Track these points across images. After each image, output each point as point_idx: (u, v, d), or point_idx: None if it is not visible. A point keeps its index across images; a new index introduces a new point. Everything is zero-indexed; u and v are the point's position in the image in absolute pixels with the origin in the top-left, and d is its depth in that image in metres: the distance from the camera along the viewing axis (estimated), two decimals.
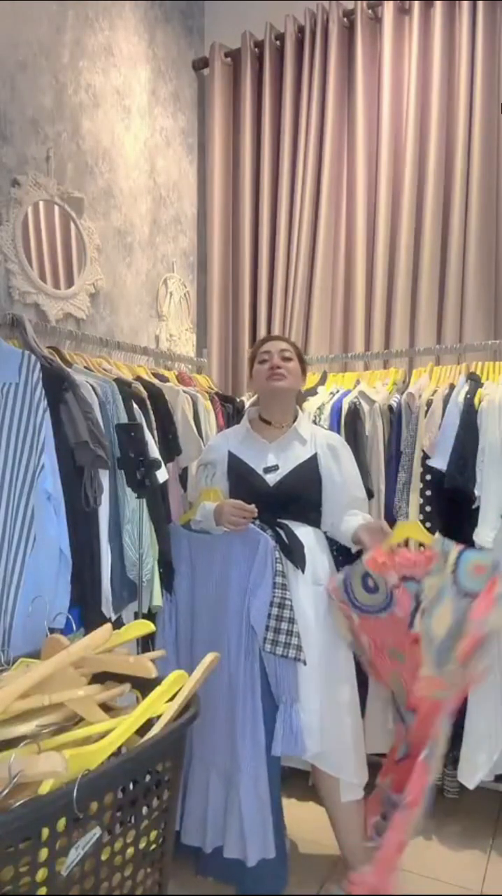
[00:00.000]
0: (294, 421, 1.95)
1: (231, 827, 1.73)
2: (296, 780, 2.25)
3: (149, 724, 1.13)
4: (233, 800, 1.73)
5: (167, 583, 1.93)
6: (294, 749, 1.71)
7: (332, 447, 1.93)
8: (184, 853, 1.81)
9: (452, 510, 2.03)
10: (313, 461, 1.89)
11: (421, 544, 1.99)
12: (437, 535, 1.71)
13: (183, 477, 2.23)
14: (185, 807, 1.81)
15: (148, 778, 1.09)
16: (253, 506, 1.76)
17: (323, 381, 2.54)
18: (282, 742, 1.70)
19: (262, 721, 1.73)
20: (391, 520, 2.18)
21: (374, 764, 1.87)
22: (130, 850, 1.07)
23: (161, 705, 1.15)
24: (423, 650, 1.57)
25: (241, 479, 1.88)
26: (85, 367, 2.00)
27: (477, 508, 1.96)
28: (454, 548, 1.63)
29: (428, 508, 2.10)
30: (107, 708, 1.21)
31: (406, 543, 2.03)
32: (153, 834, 1.12)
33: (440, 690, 1.55)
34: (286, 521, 1.85)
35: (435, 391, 2.18)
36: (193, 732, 1.75)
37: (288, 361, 1.90)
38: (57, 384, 1.73)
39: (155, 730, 1.10)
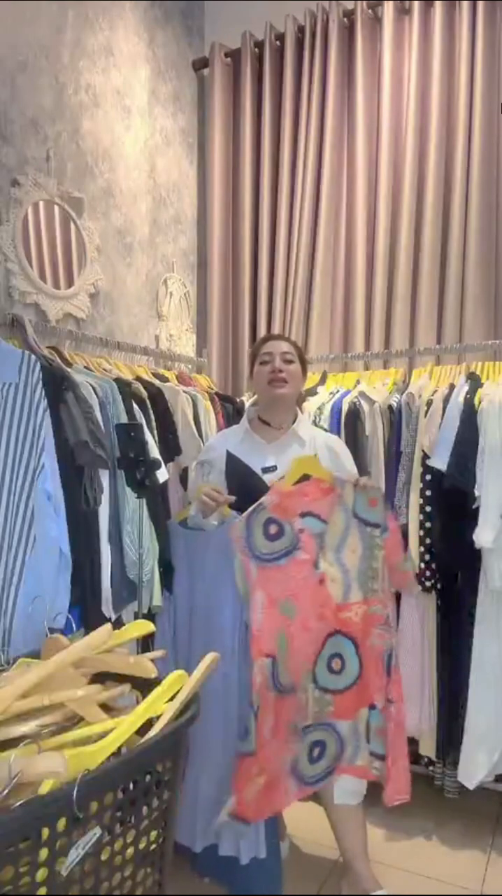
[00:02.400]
0: (293, 422, 1.95)
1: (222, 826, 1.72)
2: None
3: (149, 724, 1.12)
4: (224, 799, 1.72)
5: (167, 582, 1.93)
6: None
7: (331, 449, 1.93)
8: (183, 853, 1.80)
9: (452, 510, 2.03)
10: None
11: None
12: (332, 471, 1.77)
13: (183, 477, 2.23)
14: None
15: (148, 778, 1.09)
16: (230, 497, 1.74)
17: (323, 381, 2.54)
18: None
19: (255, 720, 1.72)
20: None
21: None
22: (130, 850, 1.06)
23: (161, 705, 1.15)
24: (338, 582, 1.74)
25: (240, 479, 1.87)
26: (85, 367, 2.00)
27: (477, 508, 1.96)
28: (348, 484, 1.77)
29: (428, 508, 2.10)
30: (107, 708, 1.20)
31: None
32: (153, 834, 1.12)
33: (373, 606, 1.77)
34: None
35: (435, 391, 2.18)
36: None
37: (289, 364, 1.90)
38: (57, 384, 1.73)
39: (155, 730, 1.10)
